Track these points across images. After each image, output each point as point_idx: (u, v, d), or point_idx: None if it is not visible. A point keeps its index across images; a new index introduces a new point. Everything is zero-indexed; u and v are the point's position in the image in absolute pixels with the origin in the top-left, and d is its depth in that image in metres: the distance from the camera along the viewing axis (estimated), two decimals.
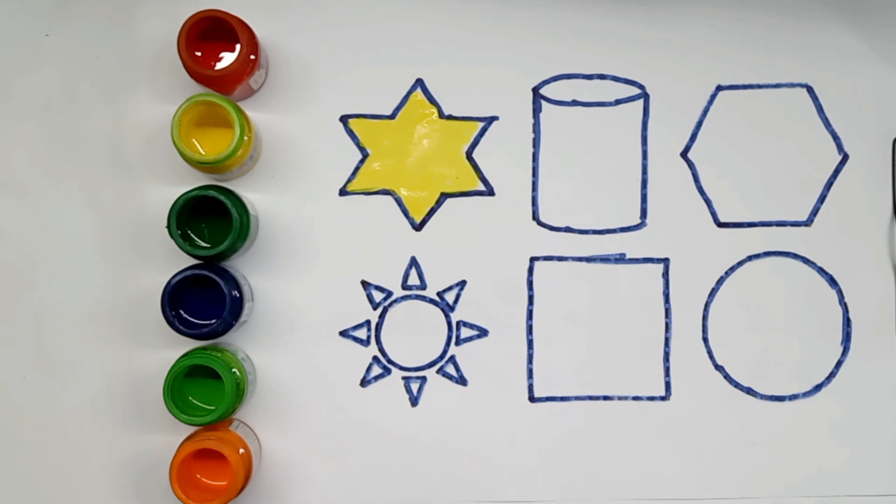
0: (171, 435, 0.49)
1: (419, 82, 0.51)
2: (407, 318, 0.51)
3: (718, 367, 0.51)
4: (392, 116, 0.51)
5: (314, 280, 0.50)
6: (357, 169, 0.51)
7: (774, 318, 0.51)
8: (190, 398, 0.48)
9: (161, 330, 0.48)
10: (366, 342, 0.51)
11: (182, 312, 0.48)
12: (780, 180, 0.51)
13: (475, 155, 0.51)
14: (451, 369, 0.51)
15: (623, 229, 0.51)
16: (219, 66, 0.49)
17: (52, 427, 0.50)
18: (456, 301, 0.51)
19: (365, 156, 0.51)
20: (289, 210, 0.50)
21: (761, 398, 0.51)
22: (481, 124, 0.51)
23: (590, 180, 0.51)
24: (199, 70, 0.47)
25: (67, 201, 0.50)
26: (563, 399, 0.51)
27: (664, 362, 0.51)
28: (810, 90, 0.52)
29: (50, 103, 0.50)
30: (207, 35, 0.48)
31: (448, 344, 0.51)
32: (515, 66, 0.51)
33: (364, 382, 0.51)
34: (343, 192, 0.51)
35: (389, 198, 0.51)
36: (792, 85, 0.52)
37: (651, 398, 0.51)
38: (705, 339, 0.51)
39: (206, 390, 0.48)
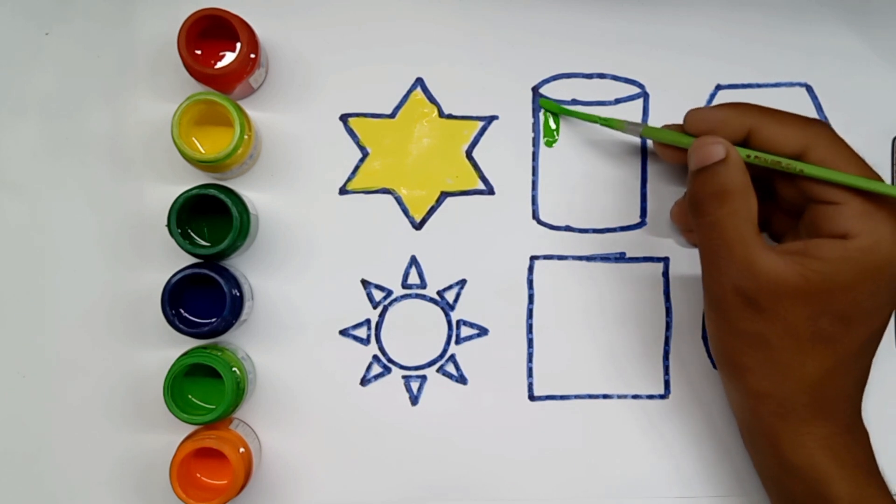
0: (171, 434, 0.49)
1: (419, 81, 0.51)
2: (407, 317, 0.51)
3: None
4: (392, 115, 0.51)
5: (314, 279, 0.50)
6: (357, 168, 0.51)
7: None
8: (190, 397, 0.48)
9: (161, 329, 0.48)
10: (366, 341, 0.51)
11: (182, 311, 0.48)
12: None
13: (475, 154, 0.51)
14: (451, 368, 0.51)
15: (623, 228, 0.51)
16: (219, 64, 0.49)
17: (51, 426, 0.50)
18: (456, 300, 0.51)
19: (365, 155, 0.51)
20: (289, 209, 0.51)
21: None
22: (481, 123, 0.51)
23: (590, 179, 0.51)
24: (200, 69, 0.47)
25: (67, 200, 0.50)
26: (562, 398, 0.51)
27: (664, 361, 0.51)
28: (810, 90, 0.52)
29: (50, 102, 0.50)
30: (207, 34, 0.48)
31: (448, 343, 0.51)
32: (515, 65, 0.51)
33: (364, 381, 0.51)
34: (343, 190, 0.51)
35: (389, 197, 0.51)
36: (791, 84, 0.52)
37: (650, 397, 0.51)
38: (705, 339, 0.51)
39: (206, 389, 0.48)
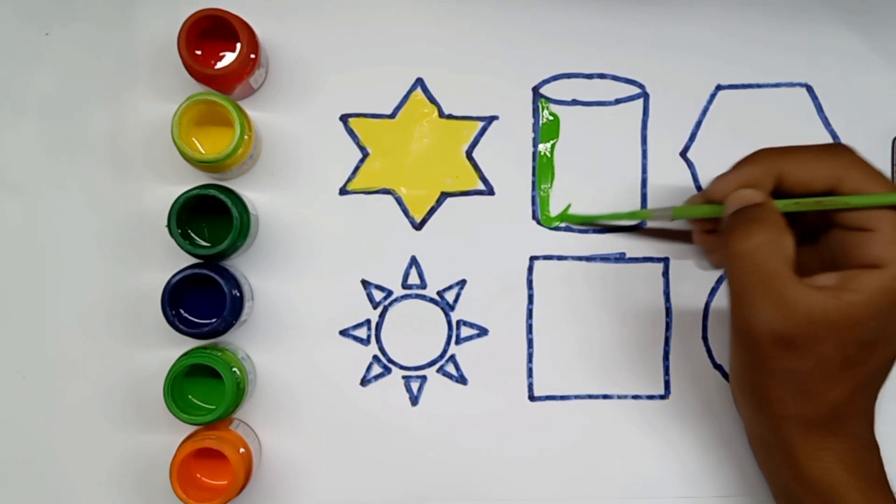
0: (171, 434, 0.49)
1: (419, 82, 0.51)
2: (407, 318, 0.51)
3: (717, 366, 0.51)
4: (392, 116, 0.51)
5: (314, 279, 0.50)
6: (357, 168, 0.51)
7: None
8: (190, 397, 0.48)
9: (161, 329, 0.48)
10: (366, 341, 0.51)
11: (182, 311, 0.48)
12: None
13: (475, 154, 0.51)
14: (451, 368, 0.51)
15: (623, 228, 0.51)
16: (219, 65, 0.49)
17: (51, 426, 0.50)
18: (456, 300, 0.51)
19: (365, 155, 0.51)
20: (289, 209, 0.51)
21: None
22: (481, 124, 0.51)
23: (590, 180, 0.51)
24: (200, 69, 0.47)
25: (67, 200, 0.50)
26: (562, 398, 0.51)
27: (664, 361, 0.51)
28: (810, 90, 0.52)
29: (50, 102, 0.50)
30: (207, 34, 0.48)
31: (448, 343, 0.51)
32: (515, 65, 0.51)
33: (364, 381, 0.51)
34: (343, 191, 0.51)
35: (389, 197, 0.51)
36: (791, 84, 0.52)
37: (650, 397, 0.51)
38: (705, 339, 0.51)
39: (206, 389, 0.48)
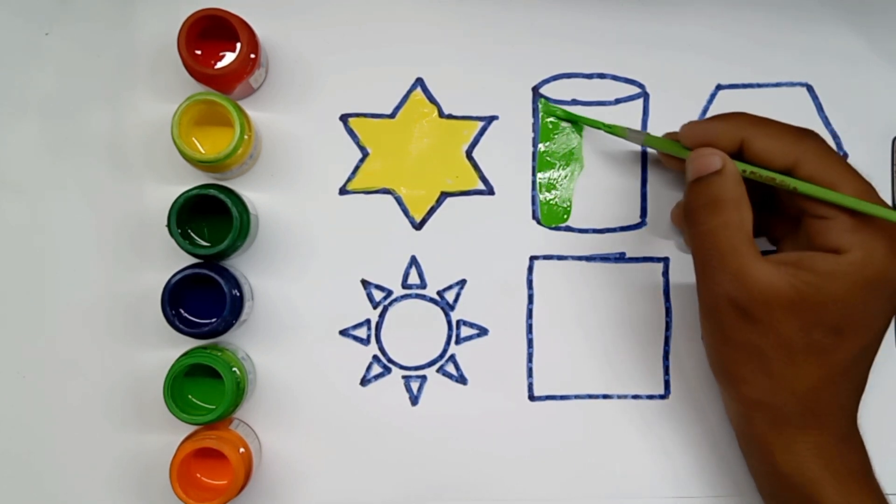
0: (171, 434, 0.49)
1: (419, 81, 0.51)
2: (407, 317, 0.51)
3: None
4: (392, 115, 0.51)
5: (314, 279, 0.50)
6: (357, 168, 0.51)
7: None
8: (190, 397, 0.48)
9: (161, 329, 0.48)
10: (366, 341, 0.51)
11: (182, 311, 0.48)
12: None
13: (475, 154, 0.51)
14: (451, 368, 0.51)
15: (623, 228, 0.51)
16: (219, 64, 0.49)
17: (51, 426, 0.50)
18: (456, 300, 0.51)
19: (365, 155, 0.51)
20: (289, 209, 0.51)
21: None
22: (481, 123, 0.51)
23: (590, 179, 0.51)
24: (200, 69, 0.47)
25: (67, 200, 0.50)
26: (562, 398, 0.51)
27: (664, 361, 0.51)
28: (810, 89, 0.52)
29: (50, 102, 0.50)
30: (207, 34, 0.48)
31: (448, 343, 0.51)
32: (515, 65, 0.51)
33: (364, 381, 0.51)
34: (343, 191, 0.51)
35: (389, 197, 0.51)
36: (792, 84, 0.52)
37: (650, 397, 0.51)
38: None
39: (206, 389, 0.48)
